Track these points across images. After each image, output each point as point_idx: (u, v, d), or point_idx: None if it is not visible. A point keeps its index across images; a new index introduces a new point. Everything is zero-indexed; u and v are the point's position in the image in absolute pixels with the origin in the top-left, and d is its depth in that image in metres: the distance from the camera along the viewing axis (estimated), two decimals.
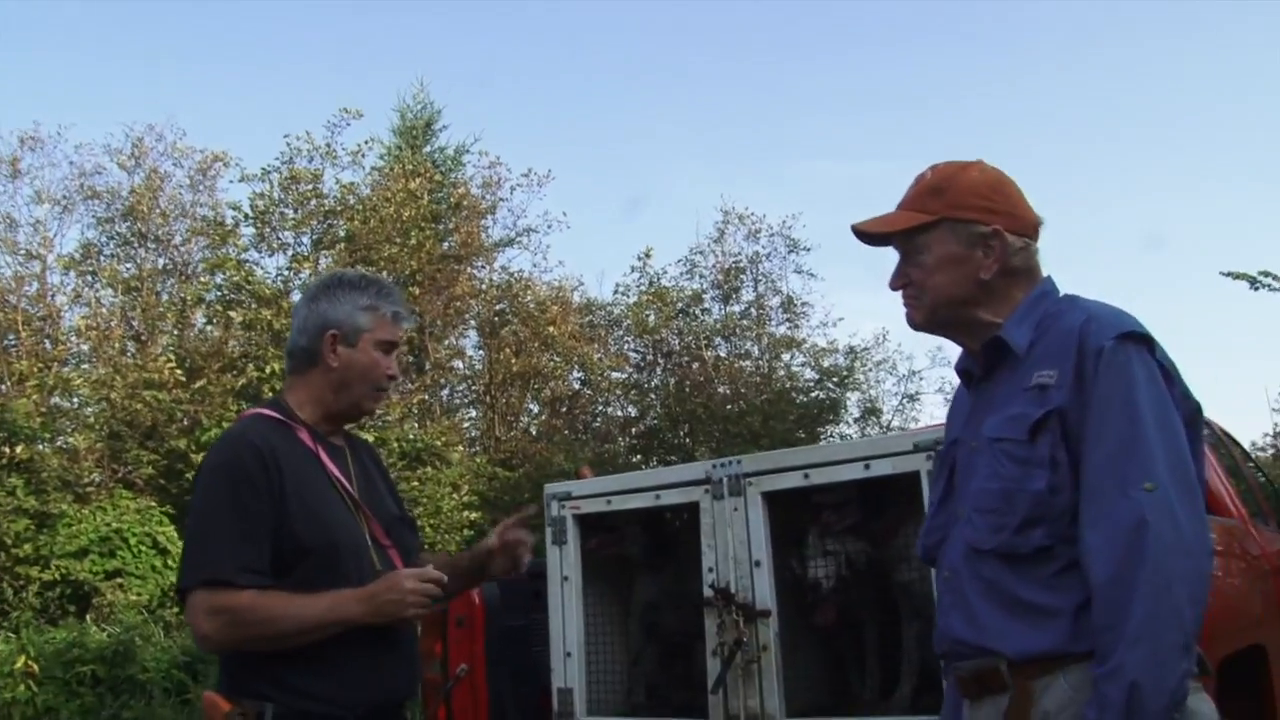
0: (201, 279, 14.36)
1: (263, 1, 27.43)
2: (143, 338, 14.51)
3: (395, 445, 13.20)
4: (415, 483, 12.94)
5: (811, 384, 17.75)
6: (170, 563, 11.44)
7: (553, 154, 35.35)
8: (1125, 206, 30.85)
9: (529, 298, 16.69)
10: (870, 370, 18.21)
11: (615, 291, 17.83)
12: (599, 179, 30.81)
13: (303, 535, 2.20)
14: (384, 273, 13.74)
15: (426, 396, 15.94)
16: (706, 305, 17.76)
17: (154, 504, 12.13)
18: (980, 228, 1.88)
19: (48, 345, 14.12)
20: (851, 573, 3.21)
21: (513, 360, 16.13)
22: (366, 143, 15.55)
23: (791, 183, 30.03)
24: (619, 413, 18.04)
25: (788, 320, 17.93)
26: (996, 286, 1.89)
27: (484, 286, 16.90)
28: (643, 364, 17.76)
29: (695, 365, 17.35)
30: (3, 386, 12.93)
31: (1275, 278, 9.80)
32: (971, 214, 1.89)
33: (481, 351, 17.19)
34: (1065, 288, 1.94)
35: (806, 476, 3.05)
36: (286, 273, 14.20)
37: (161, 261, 15.07)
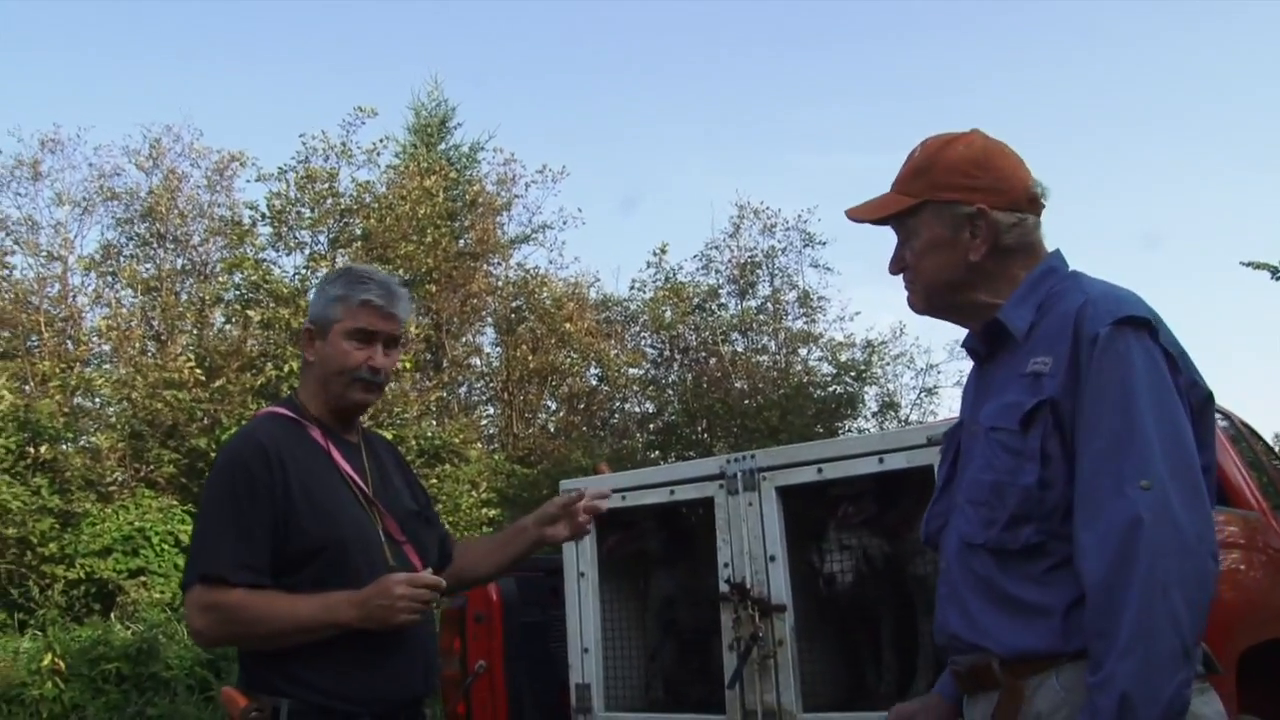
0: (220, 278, 14.45)
1: (277, 1, 27.54)
2: (162, 337, 14.59)
3: (413, 443, 13.25)
4: (434, 480, 12.99)
5: (829, 378, 17.68)
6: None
7: (567, 150, 35.39)
8: (1153, 194, 30.62)
9: (545, 294, 16.71)
10: (888, 364, 18.12)
11: (631, 287, 17.86)
12: (614, 174, 30.82)
13: (310, 532, 2.22)
14: (400, 270, 13.80)
15: (444, 394, 15.98)
16: (723, 300, 17.74)
17: (176, 502, 12.21)
18: (964, 208, 1.78)
19: (70, 346, 14.22)
20: (867, 566, 3.20)
21: (530, 357, 16.17)
22: (382, 141, 15.62)
23: (807, 175, 29.99)
24: (636, 409, 18.04)
25: (804, 315, 17.88)
26: (990, 267, 1.79)
27: (500, 283, 16.95)
28: (659, 360, 17.74)
29: (712, 361, 17.32)
30: (27, 387, 13.03)
31: None
32: (954, 194, 1.79)
33: (499, 348, 17.24)
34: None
35: (820, 471, 3.05)
36: (304, 271, 14.28)
37: (180, 261, 15.16)
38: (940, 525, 1.87)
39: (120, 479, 12.52)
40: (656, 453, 16.77)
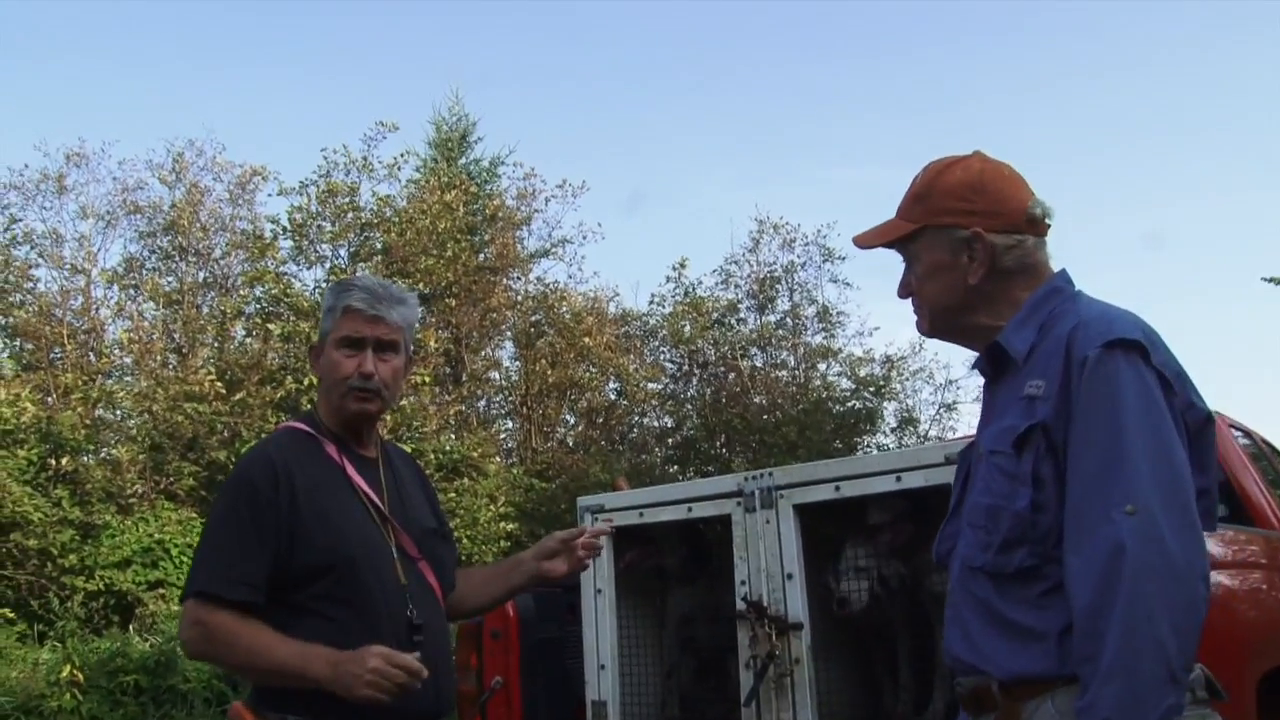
0: (241, 292, 14.56)
1: (299, 17, 27.76)
2: (184, 350, 14.68)
3: (432, 457, 13.27)
4: (452, 494, 13.01)
5: (848, 394, 17.64)
6: None
7: (587, 163, 35.48)
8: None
9: (564, 309, 16.74)
10: (907, 379, 18.05)
11: (650, 302, 17.87)
12: (634, 188, 30.87)
13: (318, 548, 2.21)
14: (420, 284, 13.86)
15: (463, 408, 16.02)
16: (742, 315, 17.74)
17: (195, 515, 12.25)
18: (960, 232, 1.80)
19: (92, 358, 14.33)
20: (883, 586, 3.19)
21: (549, 371, 16.19)
22: (402, 155, 15.73)
23: (827, 189, 29.94)
24: (655, 423, 18.02)
25: (823, 330, 17.85)
26: (990, 290, 1.80)
27: (519, 298, 16.99)
28: (678, 374, 17.74)
29: (731, 375, 17.31)
30: (49, 399, 13.13)
31: None
32: (950, 219, 1.81)
33: (518, 363, 17.27)
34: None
35: (838, 489, 3.04)
36: (324, 285, 14.32)
37: (202, 275, 15.28)
38: (950, 547, 1.87)
39: (140, 491, 12.58)
40: (675, 467, 16.76)
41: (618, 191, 30.61)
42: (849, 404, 17.37)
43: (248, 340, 14.59)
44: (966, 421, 18.10)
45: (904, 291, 1.93)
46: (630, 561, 3.59)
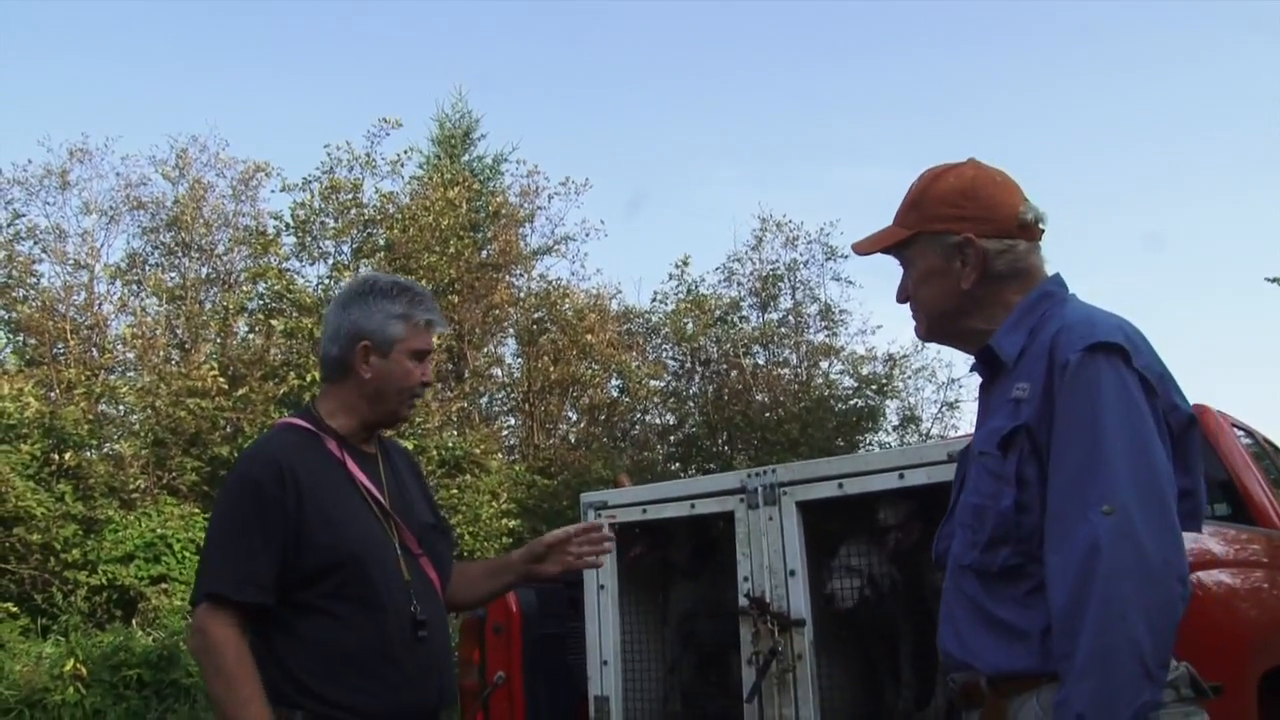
0: (244, 288, 14.56)
1: (303, 13, 27.76)
2: (186, 346, 14.68)
3: (434, 453, 13.28)
4: (454, 490, 13.01)
5: (850, 392, 17.64)
6: None
7: (590, 161, 35.48)
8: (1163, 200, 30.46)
9: (567, 306, 16.74)
10: (909, 378, 18.05)
11: (653, 299, 17.87)
12: (636, 185, 30.86)
13: (324, 547, 2.21)
14: (423, 281, 13.83)
15: (465, 404, 16.01)
16: (744, 313, 17.75)
17: (197, 510, 12.26)
18: (952, 238, 1.84)
19: (95, 353, 14.32)
20: (873, 587, 3.19)
21: (551, 368, 16.19)
22: (406, 152, 15.71)
23: (829, 188, 29.94)
24: (657, 420, 18.03)
25: (826, 328, 17.86)
26: (983, 294, 1.84)
27: (522, 295, 16.98)
28: (681, 372, 17.73)
29: (733, 373, 17.30)
30: (52, 394, 13.13)
31: None
32: (942, 225, 1.85)
33: (520, 359, 17.28)
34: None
35: (841, 486, 3.05)
36: (327, 281, 14.36)
37: (205, 271, 15.26)
38: (946, 546, 1.90)
39: (143, 486, 12.58)
40: (677, 465, 16.77)
41: (621, 189, 30.64)
42: (851, 402, 17.38)
43: (250, 336, 14.59)
44: (968, 420, 18.11)
45: (902, 296, 1.97)
46: (637, 555, 3.60)
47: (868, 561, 3.19)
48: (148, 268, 15.15)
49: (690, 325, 17.12)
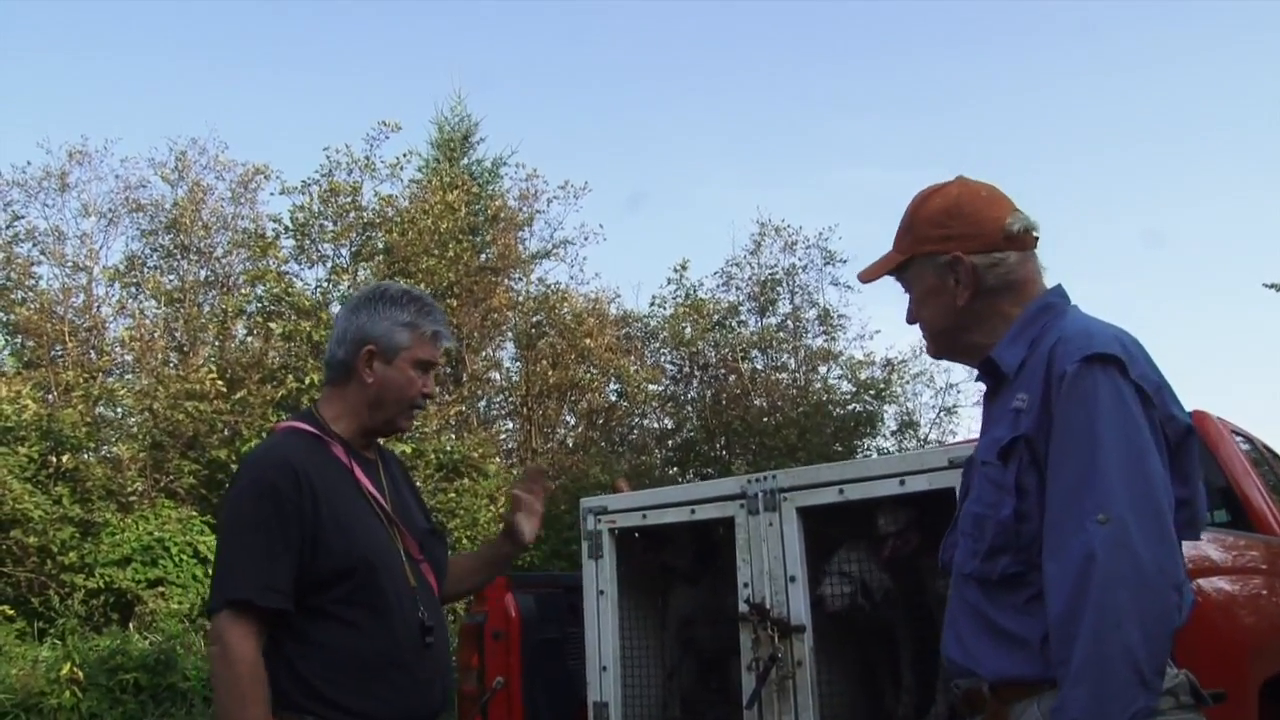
0: (242, 291, 14.53)
1: (302, 17, 27.77)
2: (185, 349, 14.66)
3: (432, 456, 13.26)
4: (452, 494, 12.99)
5: (848, 397, 17.65)
6: (210, 572, 11.53)
7: (589, 165, 35.48)
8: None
9: (565, 310, 16.73)
10: (907, 383, 18.07)
11: (652, 304, 17.90)
12: (635, 187, 30.87)
13: (338, 553, 2.21)
14: (421, 284, 13.83)
15: (464, 408, 16.00)
16: (743, 317, 17.77)
17: (195, 514, 12.25)
18: (942, 258, 1.89)
19: (93, 356, 14.31)
20: (866, 595, 3.18)
21: (549, 372, 16.19)
22: (405, 155, 15.69)
23: (829, 191, 29.95)
24: (655, 425, 18.03)
25: (824, 333, 17.88)
26: (980, 309, 1.88)
27: (521, 298, 16.97)
28: (679, 376, 17.75)
29: (731, 378, 17.31)
30: (50, 396, 13.12)
31: None
32: (932, 246, 1.90)
33: (518, 363, 17.26)
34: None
35: (841, 492, 3.05)
36: (326, 284, 14.34)
37: (203, 273, 15.24)
38: (951, 554, 1.93)
39: (140, 489, 12.56)
40: (675, 469, 16.76)
41: (619, 193, 30.66)
42: (849, 407, 17.39)
43: (249, 339, 14.57)
44: (966, 426, 18.14)
45: (910, 318, 2.02)
46: (640, 559, 3.59)
47: (868, 567, 3.18)
48: (146, 270, 15.13)
49: (688, 330, 17.13)
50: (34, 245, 14.67)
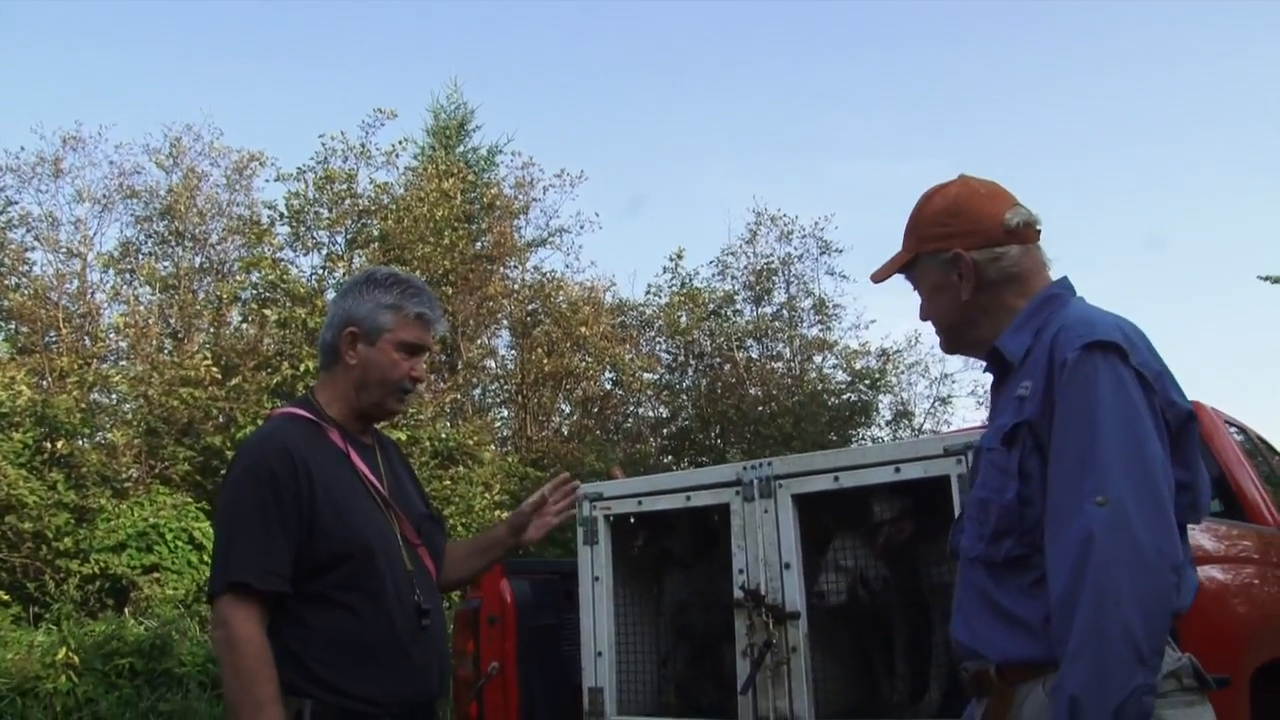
0: (237, 277, 14.50)
1: (298, 3, 27.66)
2: (179, 335, 14.66)
3: (427, 444, 13.26)
4: (447, 482, 12.99)
5: (843, 386, 17.68)
6: (205, 558, 11.54)
7: (585, 154, 35.42)
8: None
9: (561, 298, 16.72)
10: (902, 373, 18.11)
11: (647, 292, 17.91)
12: (633, 178, 30.83)
13: (335, 537, 2.22)
14: (417, 272, 13.81)
15: (459, 396, 16.00)
16: (738, 307, 17.77)
17: (190, 500, 12.25)
18: (944, 255, 1.94)
19: (87, 342, 14.30)
20: (864, 586, 3.19)
21: (545, 360, 16.17)
22: (400, 143, 15.67)
23: (827, 181, 29.94)
24: (650, 413, 18.06)
25: (820, 322, 17.89)
26: (985, 302, 1.93)
27: (516, 286, 16.95)
28: (674, 365, 17.75)
29: (727, 367, 17.32)
30: (45, 383, 13.11)
31: None
32: (935, 244, 1.96)
33: (514, 351, 17.25)
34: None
35: (837, 479, 3.05)
36: (321, 271, 14.34)
37: (198, 260, 15.24)
38: (959, 539, 1.95)
39: (135, 475, 12.57)
40: (670, 458, 16.78)
41: (616, 181, 30.58)
42: (844, 396, 17.42)
43: (244, 326, 14.56)
44: (961, 415, 18.21)
45: (921, 315, 2.06)
46: (639, 544, 3.60)
47: (862, 555, 3.19)
48: (141, 256, 15.12)
49: (684, 318, 17.14)
50: (28, 231, 14.69)
